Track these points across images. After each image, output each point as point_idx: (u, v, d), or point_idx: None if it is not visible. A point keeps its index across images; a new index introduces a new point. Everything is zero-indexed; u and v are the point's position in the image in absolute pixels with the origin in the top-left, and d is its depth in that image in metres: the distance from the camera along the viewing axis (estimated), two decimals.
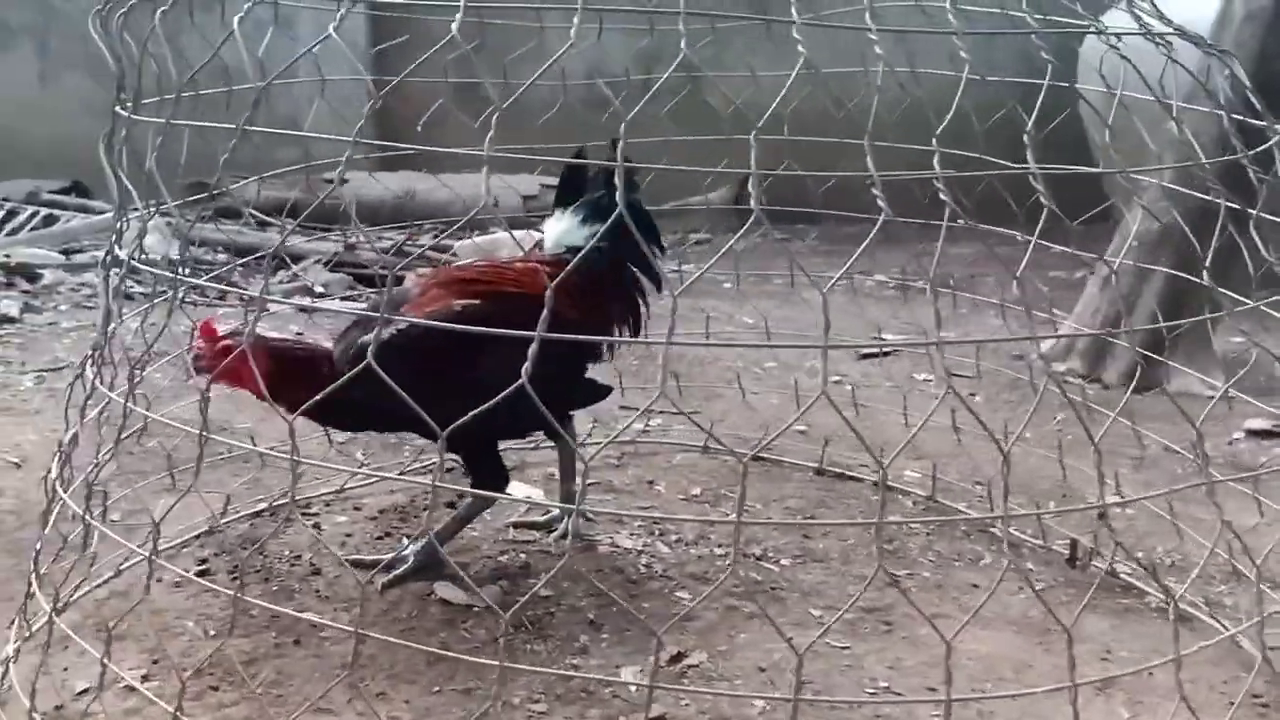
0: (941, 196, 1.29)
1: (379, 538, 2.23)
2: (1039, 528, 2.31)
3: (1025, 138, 1.22)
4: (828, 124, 2.36)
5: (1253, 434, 3.11)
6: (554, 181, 6.26)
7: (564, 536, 2.20)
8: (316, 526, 2.25)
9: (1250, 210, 1.52)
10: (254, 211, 4.36)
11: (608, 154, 2.06)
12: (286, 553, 2.14)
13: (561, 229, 2.22)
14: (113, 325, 1.63)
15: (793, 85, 1.33)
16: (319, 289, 4.55)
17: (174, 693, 1.64)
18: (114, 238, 1.59)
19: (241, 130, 1.15)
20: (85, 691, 1.66)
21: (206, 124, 1.28)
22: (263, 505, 2.32)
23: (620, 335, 2.19)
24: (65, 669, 1.71)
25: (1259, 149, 1.52)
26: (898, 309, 4.35)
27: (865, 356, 3.68)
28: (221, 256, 4.64)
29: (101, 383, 1.50)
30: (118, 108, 1.41)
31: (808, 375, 3.31)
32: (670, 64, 1.34)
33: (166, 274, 1.43)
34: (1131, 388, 2.20)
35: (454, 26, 1.21)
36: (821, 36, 1.40)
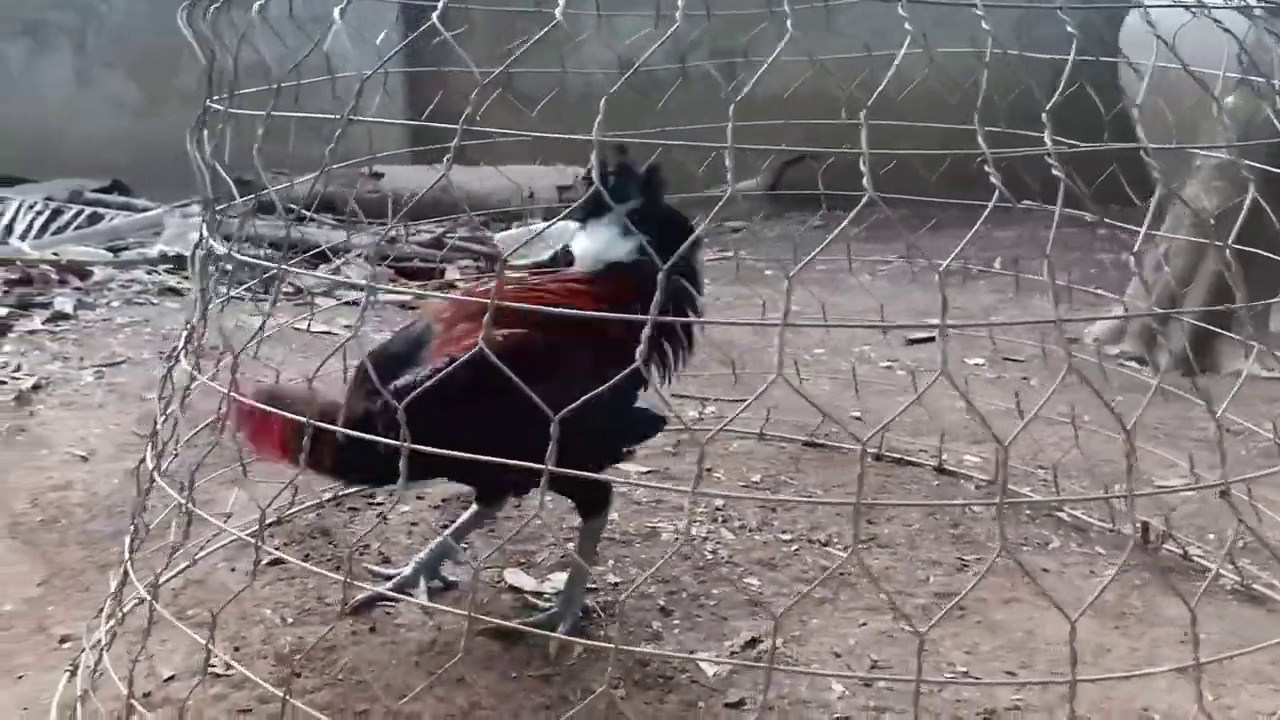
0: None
1: (443, 526, 2.24)
2: (1107, 511, 2.28)
3: (1043, 117, 1.18)
4: (881, 107, 2.35)
5: None
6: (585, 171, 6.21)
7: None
8: (382, 516, 2.27)
9: None
10: (292, 205, 4.39)
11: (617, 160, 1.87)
12: (355, 541, 2.15)
13: (599, 243, 1.91)
14: (198, 315, 1.64)
15: (849, 69, 1.31)
16: (361, 282, 4.58)
17: (258, 679, 1.67)
18: (205, 230, 1.60)
19: (347, 120, 1.16)
20: (172, 678, 1.68)
21: (309, 114, 1.29)
22: (328, 495, 2.33)
23: (674, 353, 1.98)
24: (151, 656, 1.72)
25: None
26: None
27: (914, 341, 3.66)
28: (265, 252, 4.68)
29: (200, 371, 1.52)
30: (210, 102, 1.42)
31: (858, 361, 3.30)
32: (704, 52, 1.32)
33: (270, 265, 1.43)
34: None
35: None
36: (881, 18, 1.39)
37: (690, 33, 1.27)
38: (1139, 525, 2.22)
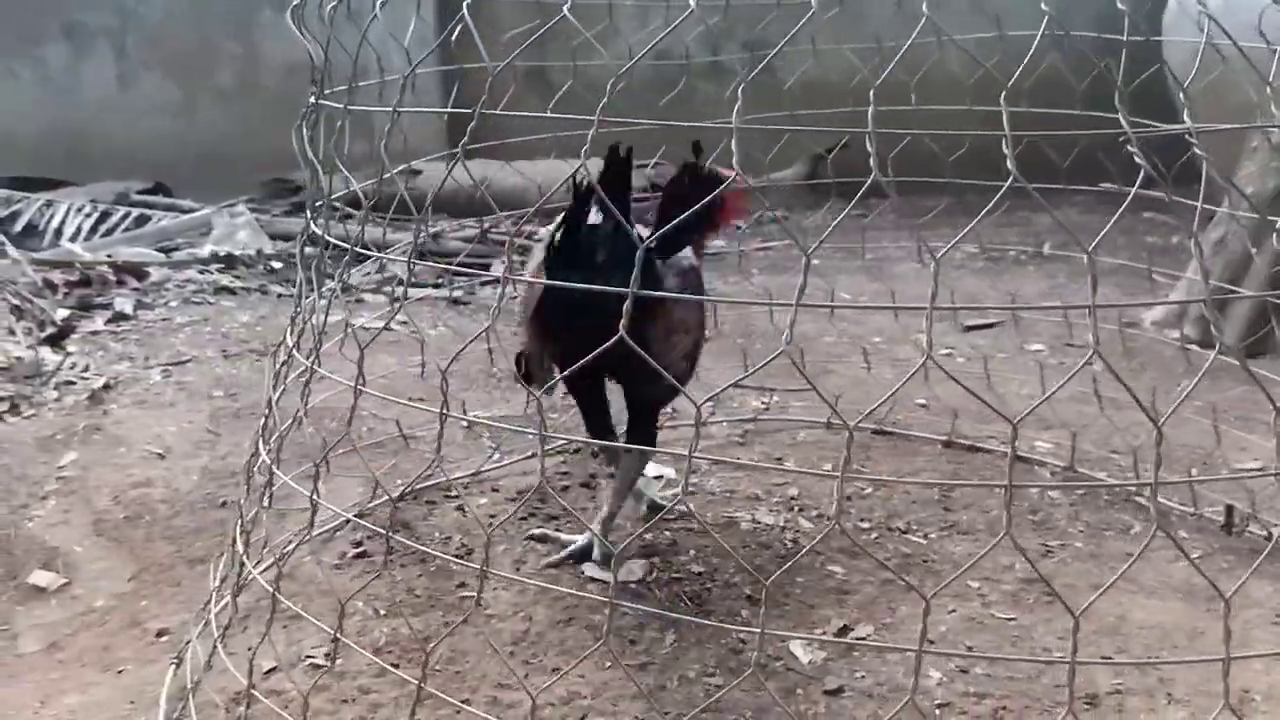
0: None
1: (523, 519, 2.25)
2: (1188, 495, 2.27)
3: (1116, 95, 1.18)
4: (899, 96, 2.36)
5: None
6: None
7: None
8: (460, 509, 2.28)
9: None
10: (335, 204, 4.41)
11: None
12: (436, 535, 2.17)
13: None
14: (306, 303, 1.66)
15: (864, 58, 1.31)
16: (409, 278, 4.60)
17: (356, 670, 1.69)
18: (310, 218, 1.62)
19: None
20: (274, 669, 1.70)
21: (421, 109, 1.30)
22: (403, 489, 2.35)
23: None
24: (249, 649, 1.75)
25: None
26: (994, 280, 4.30)
27: (970, 328, 3.64)
28: (310, 249, 4.72)
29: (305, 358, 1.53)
30: (314, 98, 1.43)
31: (915, 349, 3.29)
32: (737, 44, 1.33)
33: (396, 259, 1.44)
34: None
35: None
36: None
37: (722, 25, 1.27)
38: (1224, 508, 2.20)
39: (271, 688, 1.66)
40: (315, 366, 1.54)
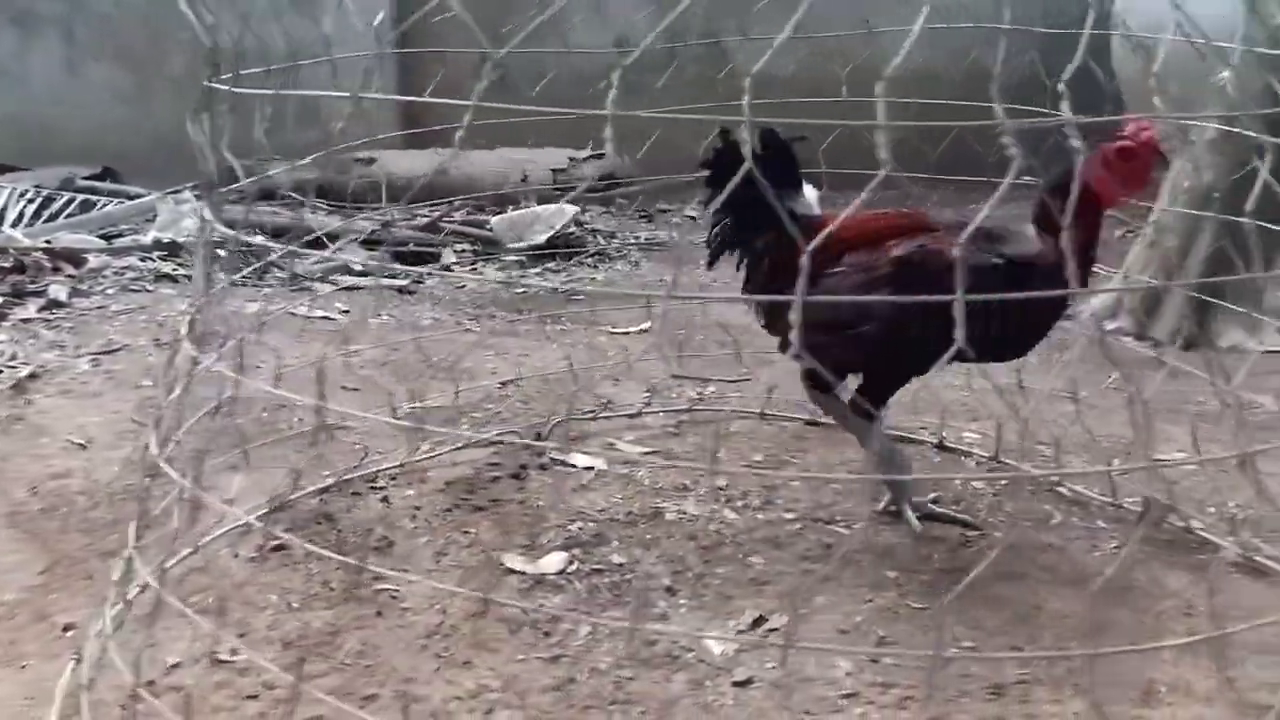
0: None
1: (446, 510, 2.24)
2: (1108, 485, 2.29)
3: (1060, 87, 1.18)
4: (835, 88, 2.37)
5: None
6: (582, 155, 6.15)
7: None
8: (385, 500, 2.26)
9: None
10: (291, 193, 4.36)
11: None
12: (358, 526, 2.15)
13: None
14: (202, 300, 1.63)
15: (791, 49, 1.31)
16: (358, 266, 4.56)
17: (263, 665, 1.67)
18: (208, 214, 1.59)
19: (357, 98, 1.15)
20: (177, 665, 1.67)
21: (317, 93, 1.27)
22: (330, 480, 2.32)
23: None
24: (155, 643, 1.72)
25: None
26: None
27: None
28: (258, 239, 4.66)
29: (189, 354, 1.50)
30: (209, 83, 1.40)
31: None
32: (695, 35, 1.32)
33: (273, 247, 1.41)
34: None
35: None
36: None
37: (685, 14, 1.26)
38: (1142, 500, 2.23)
39: (174, 683, 1.63)
40: (199, 358, 1.51)
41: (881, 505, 2.20)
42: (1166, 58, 1.81)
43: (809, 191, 2.19)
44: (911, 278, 1.94)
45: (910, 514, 2.13)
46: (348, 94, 1.14)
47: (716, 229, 2.21)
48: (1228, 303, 3.28)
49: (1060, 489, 2.34)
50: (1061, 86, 1.09)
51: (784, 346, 2.08)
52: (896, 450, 2.24)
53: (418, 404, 2.82)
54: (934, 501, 2.22)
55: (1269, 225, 1.78)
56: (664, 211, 5.56)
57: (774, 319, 2.16)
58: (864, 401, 2.04)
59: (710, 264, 2.24)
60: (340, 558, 1.80)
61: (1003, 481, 2.37)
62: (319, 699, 1.56)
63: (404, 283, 4.24)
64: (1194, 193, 3.42)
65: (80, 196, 5.23)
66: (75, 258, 4.01)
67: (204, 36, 1.36)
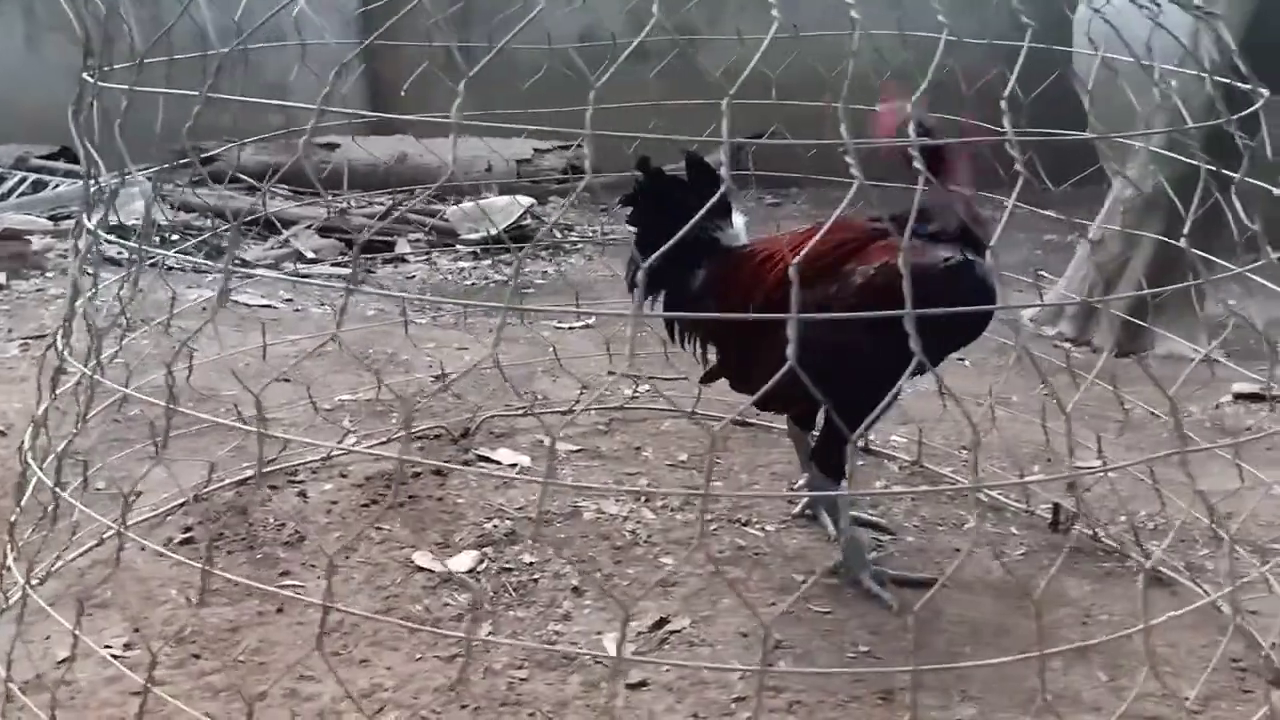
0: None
1: (364, 505, 2.23)
2: (1023, 491, 2.31)
3: (1002, 103, 1.20)
4: (814, 88, 2.35)
5: (1240, 397, 3.10)
6: (546, 146, 6.14)
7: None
8: (302, 494, 2.26)
9: (1234, 175, 1.51)
10: (241, 175, 4.32)
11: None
12: (271, 520, 2.14)
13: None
14: (83, 297, 1.62)
15: (775, 49, 1.31)
16: (310, 254, 4.53)
17: (155, 661, 1.66)
18: (84, 208, 1.57)
19: (206, 97, 1.14)
20: (66, 660, 1.66)
21: (173, 91, 1.26)
22: (249, 472, 2.31)
23: None
24: (48, 638, 1.71)
25: (1244, 113, 1.51)
26: None
27: None
28: (209, 221, 4.62)
29: (71, 353, 1.49)
30: (85, 74, 1.39)
31: None
32: (658, 28, 1.32)
33: (132, 245, 1.41)
34: (1102, 352, 2.18)
35: None
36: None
37: (644, 7, 1.26)
38: (1052, 506, 2.25)
39: (62, 678, 1.62)
40: (66, 354, 1.50)
41: (799, 509, 2.21)
42: (1118, 66, 1.84)
43: (737, 219, 2.09)
44: (882, 300, 1.72)
45: (874, 586, 1.93)
46: (195, 92, 1.14)
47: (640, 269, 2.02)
48: (1166, 312, 3.31)
49: (979, 494, 2.35)
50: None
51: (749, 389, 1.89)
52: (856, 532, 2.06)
53: (347, 397, 2.82)
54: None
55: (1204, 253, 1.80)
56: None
57: (742, 383, 2.06)
58: (829, 449, 1.94)
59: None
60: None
61: (923, 485, 2.39)
62: (220, 693, 1.56)
63: (350, 272, 4.22)
64: (1136, 201, 3.45)
65: (32, 176, 5.18)
66: (19, 239, 3.97)
67: (77, 26, 1.35)
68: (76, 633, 1.38)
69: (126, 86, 1.22)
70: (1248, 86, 1.50)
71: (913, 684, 1.19)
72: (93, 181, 1.56)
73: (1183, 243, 1.32)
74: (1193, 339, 3.35)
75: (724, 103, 1.10)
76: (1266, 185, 1.61)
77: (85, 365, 1.55)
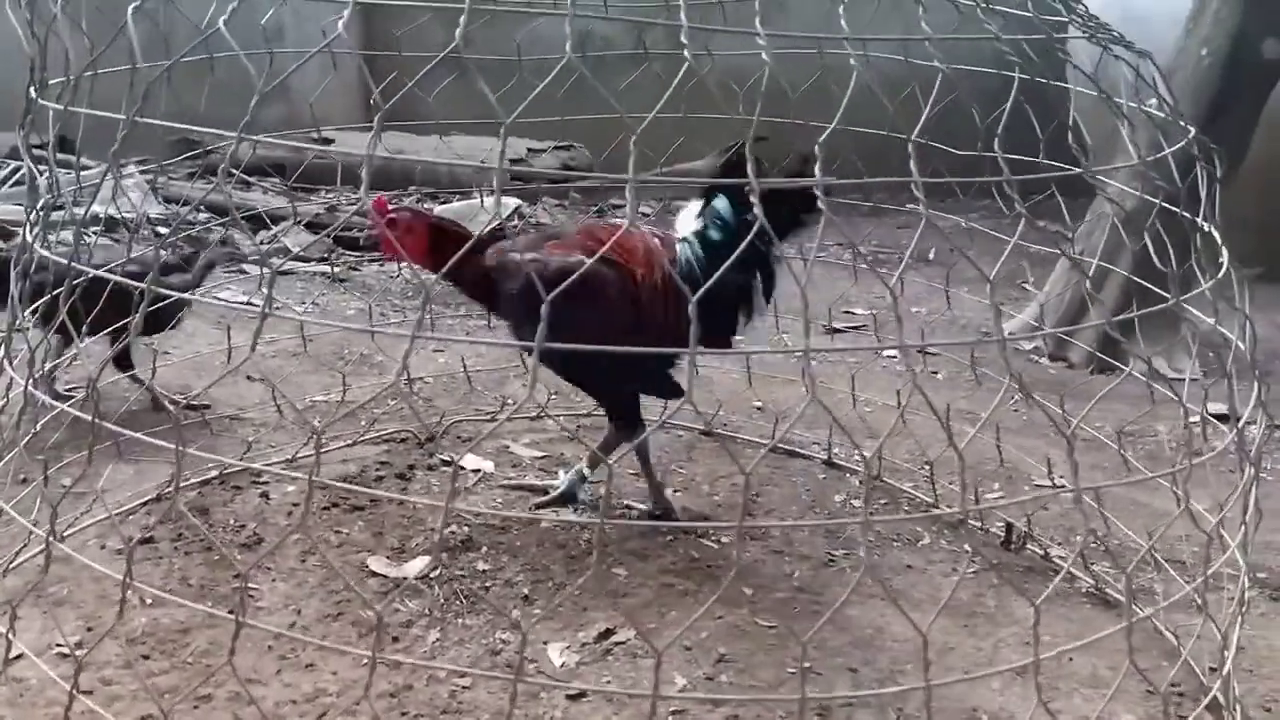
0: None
1: (325, 508, 2.26)
2: (978, 510, 2.33)
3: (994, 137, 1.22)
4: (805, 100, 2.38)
5: (1212, 417, 3.11)
6: (541, 146, 6.18)
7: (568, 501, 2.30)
8: (265, 496, 2.28)
9: (1198, 200, 1.56)
10: (233, 170, 4.34)
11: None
12: (231, 522, 2.17)
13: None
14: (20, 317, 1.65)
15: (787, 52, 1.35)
16: (297, 250, 4.55)
17: (104, 660, 1.69)
18: (30, 225, 1.60)
19: (133, 120, 1.16)
20: (19, 657, 1.69)
21: (101, 113, 1.29)
22: (214, 473, 2.34)
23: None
24: (3, 633, 1.74)
25: (1175, 147, 1.54)
26: (872, 283, 4.35)
27: (835, 331, 3.68)
28: (202, 216, 4.65)
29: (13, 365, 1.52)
30: (31, 90, 1.41)
31: (778, 349, 3.32)
32: (660, 33, 1.35)
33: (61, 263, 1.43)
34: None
35: None
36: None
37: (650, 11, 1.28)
38: (1005, 525, 2.27)
39: (12, 675, 1.65)
40: (8, 365, 1.52)
41: (547, 498, 2.30)
42: (1110, 89, 1.87)
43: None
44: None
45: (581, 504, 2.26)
46: (129, 116, 1.16)
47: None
48: (1143, 329, 3.32)
49: (936, 509, 2.38)
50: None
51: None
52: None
53: (320, 398, 2.84)
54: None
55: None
56: (616, 207, 5.57)
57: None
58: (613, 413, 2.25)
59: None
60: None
61: (882, 500, 2.41)
62: (166, 693, 1.58)
63: (335, 269, 4.24)
64: (1116, 217, 3.46)
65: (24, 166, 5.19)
66: (4, 231, 3.99)
67: (25, 42, 1.37)
68: (10, 637, 1.41)
69: (61, 106, 1.24)
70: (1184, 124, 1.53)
71: (800, 709, 1.20)
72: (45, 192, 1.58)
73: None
74: (1171, 357, 3.36)
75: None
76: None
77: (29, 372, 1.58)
